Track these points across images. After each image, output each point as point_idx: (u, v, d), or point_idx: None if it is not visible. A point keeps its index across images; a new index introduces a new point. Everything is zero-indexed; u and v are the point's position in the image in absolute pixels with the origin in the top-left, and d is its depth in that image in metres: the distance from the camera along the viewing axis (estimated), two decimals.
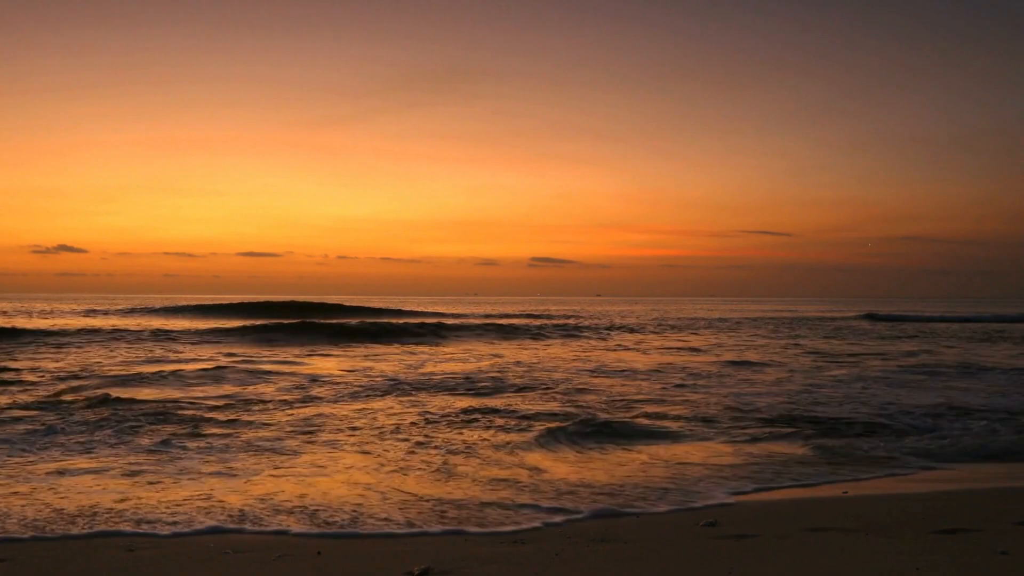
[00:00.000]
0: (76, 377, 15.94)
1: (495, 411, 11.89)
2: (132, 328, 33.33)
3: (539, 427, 10.49)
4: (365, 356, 22.93)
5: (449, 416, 11.49)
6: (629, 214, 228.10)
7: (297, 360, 21.00)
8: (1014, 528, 6.17)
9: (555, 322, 42.35)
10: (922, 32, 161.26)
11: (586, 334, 34.20)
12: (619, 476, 8.06)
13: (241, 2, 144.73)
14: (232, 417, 11.21)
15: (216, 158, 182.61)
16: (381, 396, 13.64)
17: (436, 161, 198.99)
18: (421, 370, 18.70)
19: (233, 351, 23.83)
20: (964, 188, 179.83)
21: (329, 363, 20.25)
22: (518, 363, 20.82)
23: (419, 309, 57.05)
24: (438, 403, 12.81)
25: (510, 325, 37.45)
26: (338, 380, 15.98)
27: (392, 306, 56.84)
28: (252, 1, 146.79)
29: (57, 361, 19.53)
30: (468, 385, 15.27)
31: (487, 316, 50.30)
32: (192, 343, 27.11)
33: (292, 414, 11.52)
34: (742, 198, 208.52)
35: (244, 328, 32.08)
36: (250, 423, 10.67)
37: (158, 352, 23.19)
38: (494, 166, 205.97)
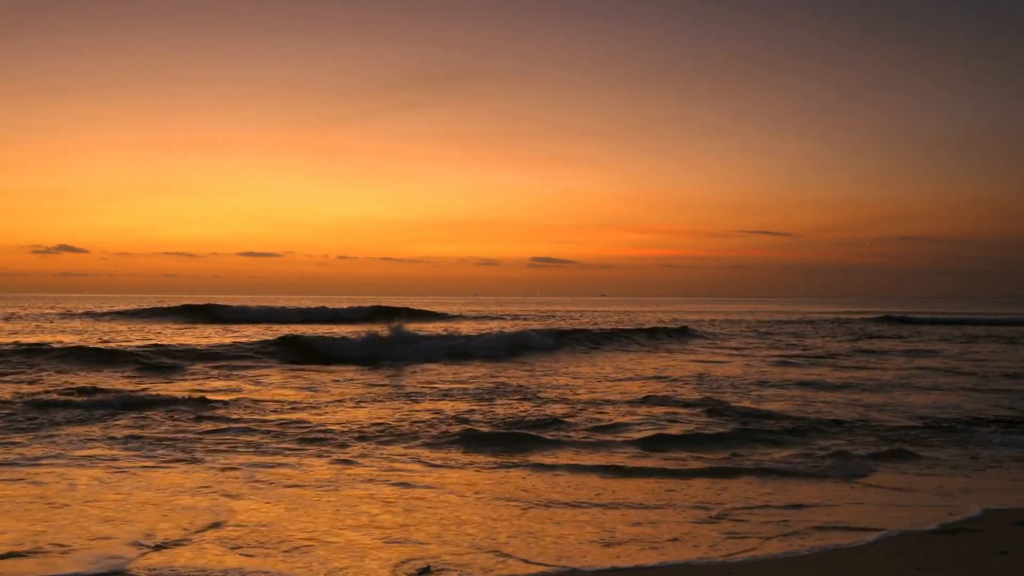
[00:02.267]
0: None
1: None
2: None
3: None
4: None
5: None
6: (629, 214, 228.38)
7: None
8: (1014, 528, 6.17)
9: (654, 325, 37.40)
10: (922, 32, 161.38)
11: (700, 341, 30.94)
12: None
13: (241, 3, 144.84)
14: None
15: (216, 158, 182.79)
16: None
17: (436, 161, 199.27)
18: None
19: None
20: (963, 188, 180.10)
21: None
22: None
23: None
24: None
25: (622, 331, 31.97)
26: None
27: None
28: (252, 2, 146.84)
29: None
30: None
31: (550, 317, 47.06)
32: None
33: None
34: (741, 198, 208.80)
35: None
36: None
37: None
38: (494, 166, 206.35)
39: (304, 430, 10.21)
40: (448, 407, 12.43)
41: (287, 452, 8.87)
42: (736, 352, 25.42)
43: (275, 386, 15.18)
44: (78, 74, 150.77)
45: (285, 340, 23.07)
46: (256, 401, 12.90)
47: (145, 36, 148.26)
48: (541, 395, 14.09)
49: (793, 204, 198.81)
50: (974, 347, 28.72)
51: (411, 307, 53.21)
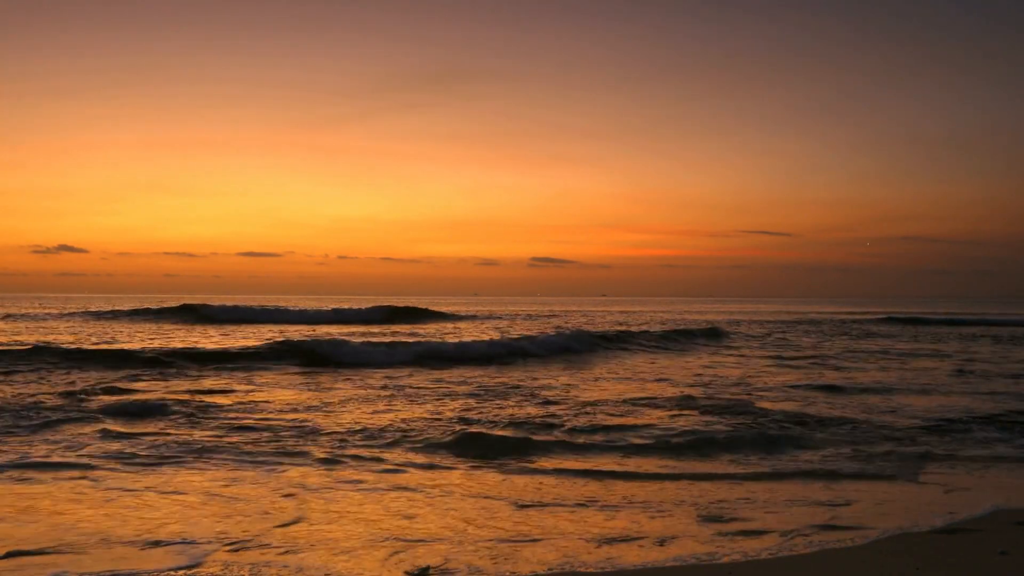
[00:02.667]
0: None
1: None
2: None
3: None
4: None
5: None
6: (629, 214, 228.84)
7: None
8: (1014, 528, 6.18)
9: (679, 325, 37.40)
10: (921, 32, 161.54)
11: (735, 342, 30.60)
12: None
13: (241, 3, 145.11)
14: None
15: (216, 158, 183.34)
16: None
17: (436, 161, 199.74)
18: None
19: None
20: (963, 188, 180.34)
21: None
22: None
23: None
24: None
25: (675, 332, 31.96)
26: None
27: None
28: (252, 2, 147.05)
29: None
30: None
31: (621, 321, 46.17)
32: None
33: None
34: (741, 198, 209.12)
35: None
36: None
37: None
38: (494, 166, 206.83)
39: (305, 431, 10.22)
40: (450, 409, 12.43)
41: (288, 453, 8.88)
42: (747, 353, 25.37)
43: (277, 388, 15.19)
44: (78, 74, 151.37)
45: (286, 341, 23.09)
46: (258, 403, 12.91)
47: (145, 36, 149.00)
48: (546, 397, 14.06)
49: (793, 204, 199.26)
50: (975, 347, 28.74)
51: (414, 306, 53.12)
